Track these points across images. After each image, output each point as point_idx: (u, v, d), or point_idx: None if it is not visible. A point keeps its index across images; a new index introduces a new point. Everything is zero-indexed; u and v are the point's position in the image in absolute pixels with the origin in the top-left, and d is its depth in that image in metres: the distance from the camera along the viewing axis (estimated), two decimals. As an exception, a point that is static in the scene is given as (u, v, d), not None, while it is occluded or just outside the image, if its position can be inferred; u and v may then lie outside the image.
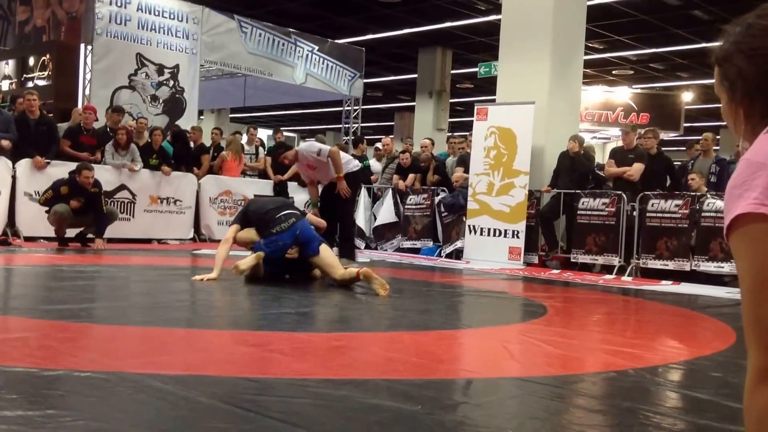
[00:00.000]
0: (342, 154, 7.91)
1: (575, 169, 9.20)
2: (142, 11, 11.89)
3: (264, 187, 11.08)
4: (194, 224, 10.43)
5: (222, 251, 5.91)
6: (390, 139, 12.32)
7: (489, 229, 9.56)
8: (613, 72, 21.01)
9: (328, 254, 5.86)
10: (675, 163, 9.97)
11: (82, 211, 8.15)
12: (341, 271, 5.73)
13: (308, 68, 14.62)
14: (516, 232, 9.33)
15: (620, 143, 9.65)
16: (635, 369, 3.32)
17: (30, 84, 12.08)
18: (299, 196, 10.90)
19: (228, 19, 13.22)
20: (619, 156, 9.10)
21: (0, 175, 8.53)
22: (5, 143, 8.57)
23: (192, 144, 11.24)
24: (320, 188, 8.18)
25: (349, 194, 7.28)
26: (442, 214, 10.22)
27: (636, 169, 8.77)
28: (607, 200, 8.69)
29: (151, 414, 2.26)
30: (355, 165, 7.56)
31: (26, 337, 3.34)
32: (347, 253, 7.57)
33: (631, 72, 20.93)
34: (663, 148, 9.38)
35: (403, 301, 5.80)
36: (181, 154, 10.71)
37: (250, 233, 6.13)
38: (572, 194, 9.02)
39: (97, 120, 9.92)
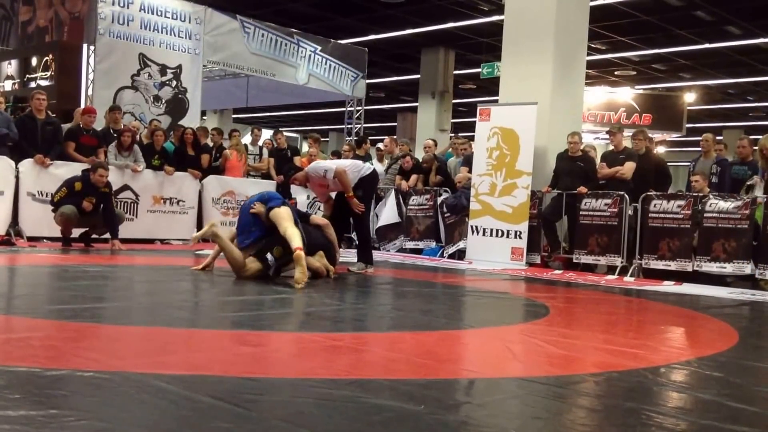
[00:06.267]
0: (352, 162, 7.73)
1: (573, 170, 9.18)
2: (144, 11, 11.91)
3: (267, 188, 11.05)
4: (197, 224, 10.42)
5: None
6: (390, 140, 12.31)
7: (491, 230, 9.56)
8: (616, 73, 21.01)
9: (282, 215, 6.10)
10: (683, 164, 10.01)
11: (89, 211, 8.17)
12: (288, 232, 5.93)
13: (311, 69, 14.63)
14: (518, 233, 9.32)
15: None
16: (637, 369, 3.32)
17: (32, 84, 12.09)
18: (301, 196, 10.99)
19: (230, 19, 13.24)
20: (611, 158, 9.16)
21: (3, 175, 8.54)
22: None
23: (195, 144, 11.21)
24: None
25: (362, 209, 7.21)
26: (445, 215, 10.22)
27: (628, 168, 8.83)
28: (609, 201, 8.68)
29: (153, 414, 2.26)
30: (367, 168, 7.40)
31: (29, 337, 3.34)
32: (364, 257, 7.47)
33: (634, 73, 20.92)
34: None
35: (406, 301, 5.80)
36: (181, 153, 10.67)
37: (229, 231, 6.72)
38: (574, 195, 9.01)
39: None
